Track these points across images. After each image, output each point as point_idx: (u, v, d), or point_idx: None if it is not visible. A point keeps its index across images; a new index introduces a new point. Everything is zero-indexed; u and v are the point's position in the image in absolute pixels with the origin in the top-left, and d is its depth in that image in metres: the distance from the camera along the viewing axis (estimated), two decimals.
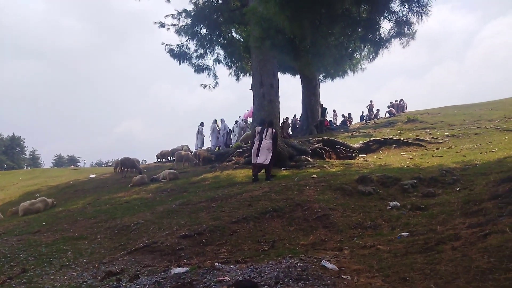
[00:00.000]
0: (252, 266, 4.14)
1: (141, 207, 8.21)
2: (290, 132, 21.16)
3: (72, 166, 53.47)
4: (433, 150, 12.17)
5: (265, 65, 13.11)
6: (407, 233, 4.86)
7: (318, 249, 4.78)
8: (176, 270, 4.27)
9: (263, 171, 9.89)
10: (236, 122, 20.79)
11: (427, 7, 8.12)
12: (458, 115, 19.44)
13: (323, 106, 21.03)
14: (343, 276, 3.63)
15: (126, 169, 15.53)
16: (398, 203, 6.36)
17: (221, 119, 20.94)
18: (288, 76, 22.29)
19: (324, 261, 4.09)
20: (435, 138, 13.99)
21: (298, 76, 21.74)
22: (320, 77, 21.98)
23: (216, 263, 4.45)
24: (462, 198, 5.84)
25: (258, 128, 10.21)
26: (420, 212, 5.83)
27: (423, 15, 8.21)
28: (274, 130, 10.04)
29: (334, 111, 26.08)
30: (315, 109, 20.66)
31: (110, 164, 59.16)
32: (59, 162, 79.84)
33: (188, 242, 5.34)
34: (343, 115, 25.95)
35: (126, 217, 7.27)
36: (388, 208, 6.28)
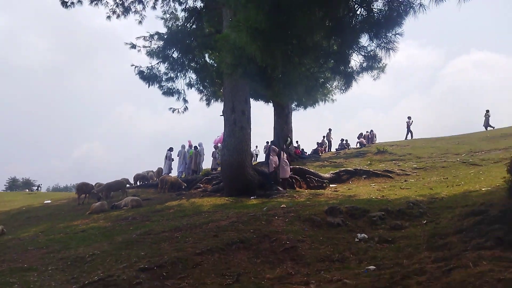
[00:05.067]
0: None
1: (98, 236, 7.86)
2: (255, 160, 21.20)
3: (27, 190, 50.87)
4: (401, 182, 12.53)
5: (237, 91, 13.28)
6: (374, 267, 4.90)
7: (284, 283, 4.73)
8: None
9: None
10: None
11: (395, 43, 8.58)
12: (426, 147, 20.24)
13: (289, 136, 21.29)
14: None
15: (84, 195, 14.94)
16: (366, 236, 6.44)
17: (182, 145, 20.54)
18: (261, 103, 22.65)
19: None
20: (404, 170, 14.42)
21: (271, 104, 22.14)
22: (293, 105, 22.54)
23: None
24: (428, 232, 6.00)
25: (276, 148, 13.91)
26: (387, 245, 5.92)
27: (391, 51, 8.65)
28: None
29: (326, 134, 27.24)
30: (286, 137, 21.01)
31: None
32: (13, 185, 75.76)
33: (147, 275, 5.13)
34: (317, 143, 26.48)
35: (81, 248, 6.93)
36: (356, 240, 6.34)
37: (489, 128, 24.77)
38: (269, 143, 15.13)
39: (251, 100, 17.07)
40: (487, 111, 25.52)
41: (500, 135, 20.35)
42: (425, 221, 6.95)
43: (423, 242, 5.57)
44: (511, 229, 4.95)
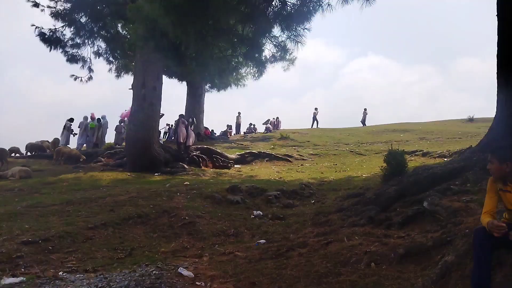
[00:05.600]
0: (101, 275, 3.79)
1: None
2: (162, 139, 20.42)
3: None
4: (298, 166, 13.33)
5: (149, 66, 12.62)
6: (265, 241, 5.13)
7: (178, 256, 4.67)
8: (8, 280, 3.66)
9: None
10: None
11: (303, 37, 8.94)
12: (322, 137, 21.80)
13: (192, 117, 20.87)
14: (197, 283, 3.61)
15: None
16: (261, 213, 6.70)
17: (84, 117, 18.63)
18: (174, 81, 21.83)
19: (181, 268, 4.02)
20: (301, 155, 15.33)
21: (185, 83, 21.52)
22: (206, 87, 22.27)
23: (60, 273, 3.94)
24: (315, 210, 6.48)
25: (185, 121, 14.26)
26: (279, 221, 6.25)
27: (299, 44, 9.01)
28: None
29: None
30: (198, 117, 20.79)
31: None
32: None
33: (30, 249, 4.61)
34: (227, 125, 26.65)
35: None
36: (252, 217, 6.56)
37: (364, 125, 27.78)
38: (179, 116, 14.69)
39: (164, 77, 16.41)
40: (365, 109, 28.92)
41: (383, 130, 22.87)
42: (313, 201, 7.50)
43: (309, 219, 5.99)
44: (382, 209, 5.57)
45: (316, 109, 28.93)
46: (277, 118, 28.76)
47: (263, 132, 25.87)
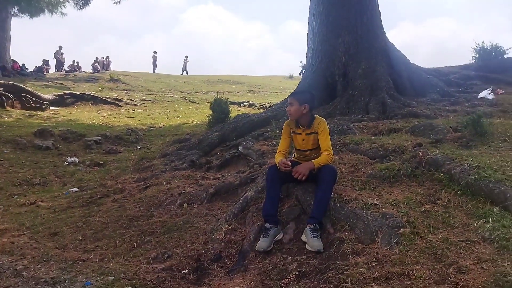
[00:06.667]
0: None
1: None
2: None
3: None
4: (129, 111, 12.60)
5: None
6: (77, 189, 4.73)
7: None
8: None
9: None
10: None
11: None
12: (157, 82, 21.06)
13: None
14: None
15: None
16: (77, 159, 6.12)
17: None
18: None
19: None
20: (133, 100, 14.53)
21: None
22: (14, 10, 18.21)
23: None
24: (139, 156, 6.30)
25: None
26: (97, 168, 5.84)
27: None
28: None
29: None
30: (3, 46, 16.96)
31: None
32: None
33: None
34: (44, 60, 22.58)
35: None
36: (65, 164, 5.93)
37: (184, 73, 28.49)
38: None
39: None
40: (186, 56, 29.64)
41: (217, 80, 23.68)
42: (139, 147, 7.28)
43: (131, 165, 5.80)
44: (204, 154, 5.85)
45: (155, 52, 27.70)
46: (107, 57, 26.16)
47: (90, 72, 23.19)
